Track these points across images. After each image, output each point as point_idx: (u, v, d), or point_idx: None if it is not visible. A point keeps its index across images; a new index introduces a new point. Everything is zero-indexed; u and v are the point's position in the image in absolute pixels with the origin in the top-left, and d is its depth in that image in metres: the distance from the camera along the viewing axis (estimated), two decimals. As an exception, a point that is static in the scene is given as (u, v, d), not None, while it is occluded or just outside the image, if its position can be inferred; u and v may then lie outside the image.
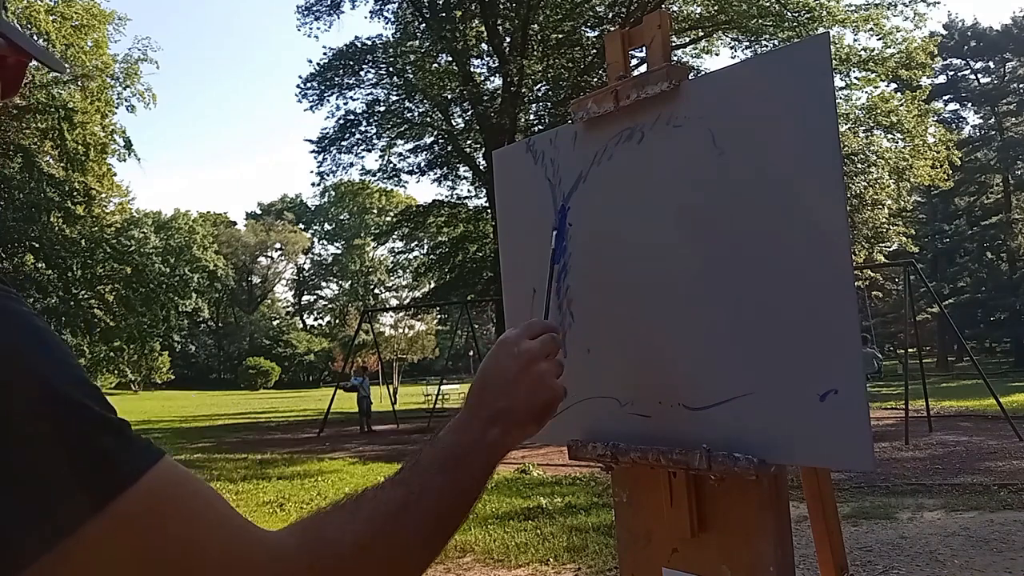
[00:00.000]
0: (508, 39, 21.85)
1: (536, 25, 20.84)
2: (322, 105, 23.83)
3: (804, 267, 1.01)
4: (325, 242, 76.70)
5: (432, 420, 18.05)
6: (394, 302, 60.17)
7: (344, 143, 24.19)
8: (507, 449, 0.82)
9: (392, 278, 62.26)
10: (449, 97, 22.84)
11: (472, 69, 22.60)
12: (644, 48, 1.26)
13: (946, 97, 44.01)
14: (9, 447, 0.48)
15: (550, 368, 0.89)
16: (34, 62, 0.71)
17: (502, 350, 0.88)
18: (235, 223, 75.19)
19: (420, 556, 0.70)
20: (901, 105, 21.44)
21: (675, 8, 20.71)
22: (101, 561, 0.50)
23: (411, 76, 22.79)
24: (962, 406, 16.40)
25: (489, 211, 22.76)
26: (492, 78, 23.16)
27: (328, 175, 25.72)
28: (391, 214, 41.90)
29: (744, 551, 1.13)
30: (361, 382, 17.46)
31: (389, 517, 0.67)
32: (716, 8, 20.84)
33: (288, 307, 78.33)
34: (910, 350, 14.92)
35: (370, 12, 23.30)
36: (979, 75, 44.99)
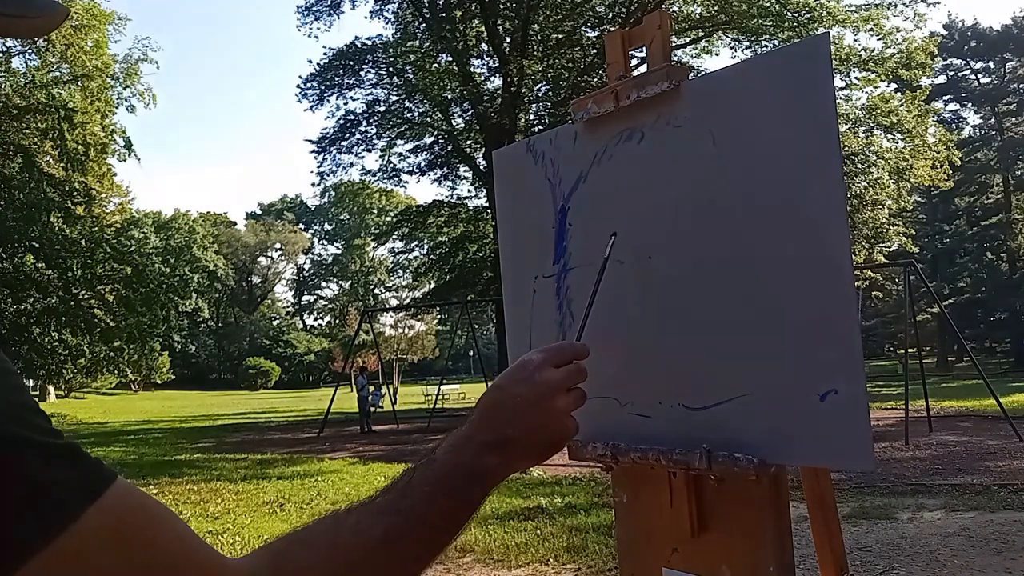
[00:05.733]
0: (508, 39, 21.85)
1: (536, 25, 20.85)
2: (322, 105, 23.91)
3: (804, 267, 1.01)
4: (325, 242, 76.83)
5: (432, 420, 18.08)
6: (394, 302, 60.23)
7: (344, 143, 24.24)
8: (502, 478, 0.75)
9: (392, 278, 62.35)
10: (449, 97, 22.86)
11: (472, 69, 22.61)
12: (644, 48, 1.26)
13: (946, 97, 44.05)
14: None
15: (568, 403, 0.80)
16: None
17: (521, 373, 0.79)
18: (235, 223, 75.28)
19: None
20: (901, 105, 21.45)
21: (675, 8, 20.71)
22: None
23: (411, 76, 22.82)
24: (962, 406, 16.41)
25: (489, 211, 22.76)
26: (492, 78, 23.17)
27: (328, 175, 25.80)
28: (391, 214, 41.92)
29: (744, 551, 1.12)
30: (364, 383, 17.63)
31: (369, 551, 0.64)
32: (716, 8, 20.85)
33: (288, 307, 78.41)
34: (910, 350, 14.91)
35: (370, 12, 23.35)
36: (979, 75, 44.99)
